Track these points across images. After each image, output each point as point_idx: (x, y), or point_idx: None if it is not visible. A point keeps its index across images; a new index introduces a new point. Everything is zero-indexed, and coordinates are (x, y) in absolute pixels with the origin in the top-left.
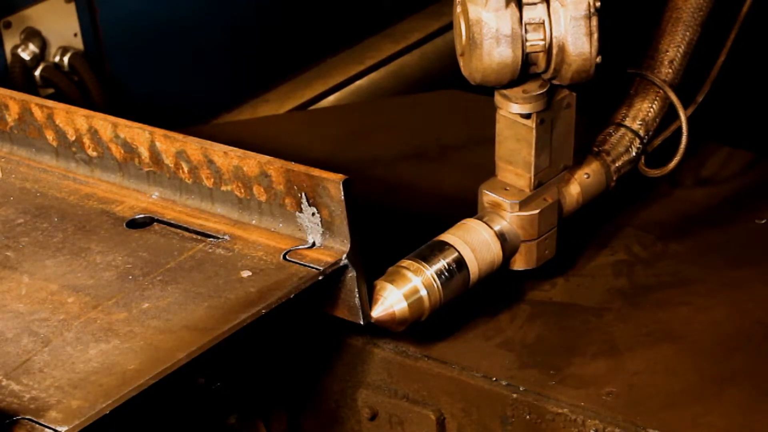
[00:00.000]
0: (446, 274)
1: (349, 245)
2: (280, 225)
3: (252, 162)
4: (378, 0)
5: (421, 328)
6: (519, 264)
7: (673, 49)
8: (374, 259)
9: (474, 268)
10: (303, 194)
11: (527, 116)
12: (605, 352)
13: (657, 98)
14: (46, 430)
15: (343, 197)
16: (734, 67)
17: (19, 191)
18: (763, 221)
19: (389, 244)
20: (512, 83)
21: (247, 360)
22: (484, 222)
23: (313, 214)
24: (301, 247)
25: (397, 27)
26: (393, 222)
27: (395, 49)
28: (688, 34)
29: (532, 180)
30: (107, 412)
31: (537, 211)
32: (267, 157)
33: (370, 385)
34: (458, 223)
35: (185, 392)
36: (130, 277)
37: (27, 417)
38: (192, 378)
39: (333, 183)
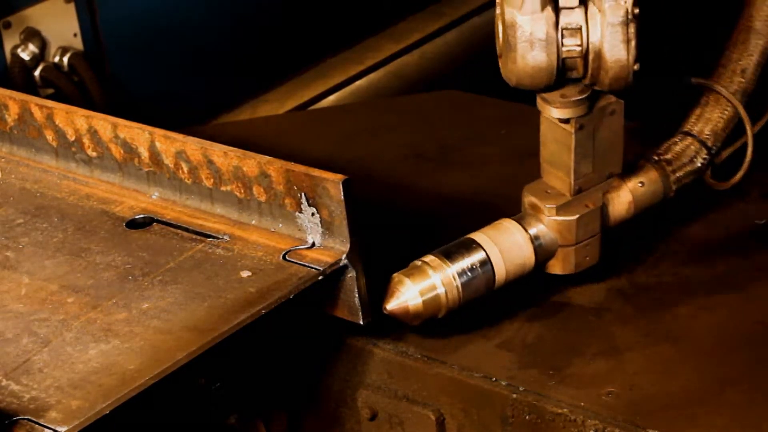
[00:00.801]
0: (469, 273)
1: (348, 245)
2: (280, 225)
3: (252, 162)
4: (378, 0)
5: (422, 328)
6: (556, 268)
7: (745, 59)
8: (374, 259)
9: (500, 269)
10: (303, 194)
11: (566, 121)
12: (605, 352)
13: (728, 108)
14: (46, 430)
15: (343, 197)
16: None
17: (19, 191)
18: (763, 221)
19: (389, 244)
20: (550, 87)
21: (247, 360)
22: (520, 223)
23: (313, 214)
24: (300, 247)
25: (397, 27)
26: (393, 222)
27: (395, 49)
28: (760, 43)
29: (573, 185)
30: (107, 412)
31: (575, 217)
32: (267, 158)
33: (370, 385)
34: (494, 222)
35: (185, 392)
36: (130, 278)
37: (27, 417)
38: (192, 378)
39: (333, 183)
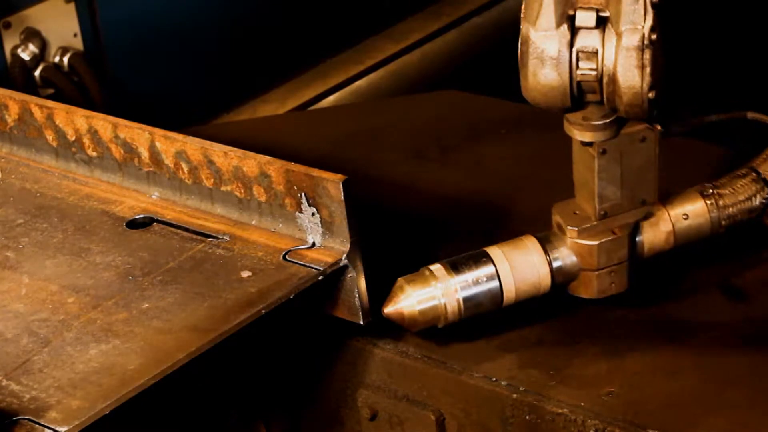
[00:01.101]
0: (473, 287)
1: (348, 245)
2: (280, 225)
3: (252, 162)
4: (378, 0)
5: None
6: (580, 291)
7: None
8: (374, 259)
9: (509, 286)
10: (303, 194)
11: (589, 144)
12: (605, 352)
13: None
14: (46, 430)
15: (343, 197)
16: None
17: (19, 191)
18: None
19: (389, 244)
20: (570, 108)
21: (247, 360)
22: (543, 242)
23: (313, 214)
24: (301, 247)
25: (397, 27)
26: (393, 222)
27: (395, 49)
28: None
29: (597, 209)
30: (107, 412)
31: (596, 242)
32: (267, 158)
33: (370, 385)
34: (516, 238)
35: (185, 392)
36: (130, 278)
37: (27, 417)
38: (192, 378)
39: (333, 183)
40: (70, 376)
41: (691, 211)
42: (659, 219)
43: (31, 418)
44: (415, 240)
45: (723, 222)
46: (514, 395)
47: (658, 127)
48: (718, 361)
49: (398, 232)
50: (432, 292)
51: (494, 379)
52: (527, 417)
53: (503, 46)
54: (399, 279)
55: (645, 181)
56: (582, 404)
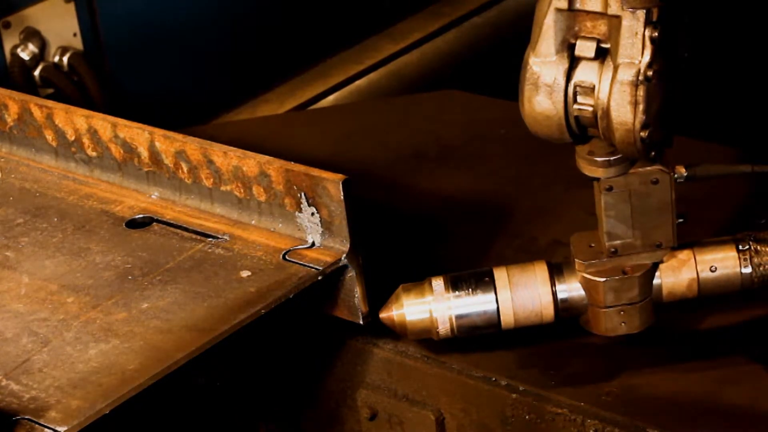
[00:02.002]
0: (468, 307)
1: (348, 245)
2: (280, 225)
3: (251, 162)
4: (378, 0)
5: None
6: (590, 326)
7: None
8: (374, 259)
9: (508, 311)
10: (302, 194)
11: (595, 179)
12: (605, 352)
13: None
14: (46, 430)
15: (342, 197)
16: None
17: (19, 191)
18: (763, 221)
19: (389, 244)
20: (572, 141)
21: (247, 360)
22: (552, 271)
23: (313, 213)
24: (300, 247)
25: (397, 27)
26: (393, 222)
27: (395, 49)
28: None
29: (607, 246)
30: (107, 412)
31: (602, 279)
32: (266, 157)
33: (370, 385)
34: (530, 262)
35: (185, 392)
36: (130, 277)
37: (27, 417)
38: (192, 378)
39: (333, 183)
40: (69, 375)
41: (720, 262)
42: (682, 264)
43: (30, 417)
44: (414, 240)
45: (755, 279)
46: (514, 395)
47: (683, 171)
48: (718, 361)
49: (398, 231)
50: (424, 306)
51: (494, 378)
52: (527, 417)
53: (503, 46)
54: (400, 286)
55: (660, 225)
56: (582, 404)
